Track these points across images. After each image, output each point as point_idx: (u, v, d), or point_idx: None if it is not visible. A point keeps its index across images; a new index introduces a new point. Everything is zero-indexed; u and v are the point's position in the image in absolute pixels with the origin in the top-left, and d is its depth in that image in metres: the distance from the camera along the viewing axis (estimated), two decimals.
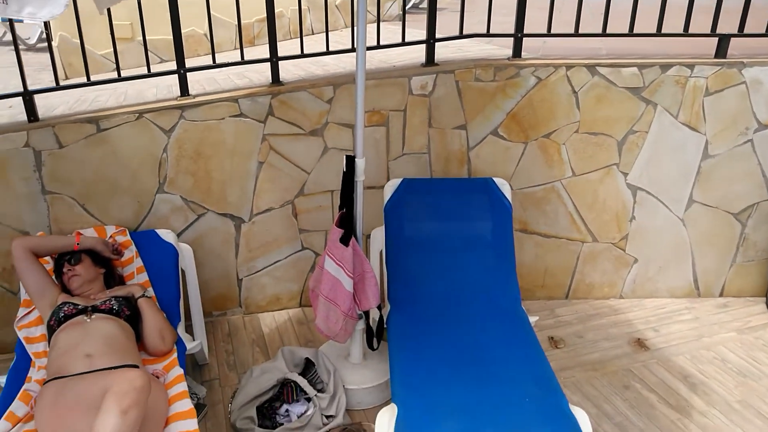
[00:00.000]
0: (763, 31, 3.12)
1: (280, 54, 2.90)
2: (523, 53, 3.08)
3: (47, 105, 2.84)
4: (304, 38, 3.07)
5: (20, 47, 2.79)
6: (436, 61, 3.06)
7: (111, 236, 2.65)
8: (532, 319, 2.52)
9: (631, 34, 3.08)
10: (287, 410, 2.42)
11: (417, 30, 3.27)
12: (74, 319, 2.12)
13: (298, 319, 3.18)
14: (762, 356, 2.94)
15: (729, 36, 3.08)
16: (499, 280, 2.68)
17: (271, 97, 2.82)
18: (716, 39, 3.09)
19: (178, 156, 2.78)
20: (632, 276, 3.42)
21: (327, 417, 2.41)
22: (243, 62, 2.95)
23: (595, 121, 3.08)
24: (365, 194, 2.43)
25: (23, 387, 2.07)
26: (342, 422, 2.42)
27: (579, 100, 3.03)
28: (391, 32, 3.43)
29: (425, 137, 3.05)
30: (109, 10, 2.59)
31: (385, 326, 2.56)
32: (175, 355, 2.26)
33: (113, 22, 2.68)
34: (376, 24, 3.05)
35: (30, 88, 2.61)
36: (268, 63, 2.90)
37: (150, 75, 2.85)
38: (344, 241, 2.29)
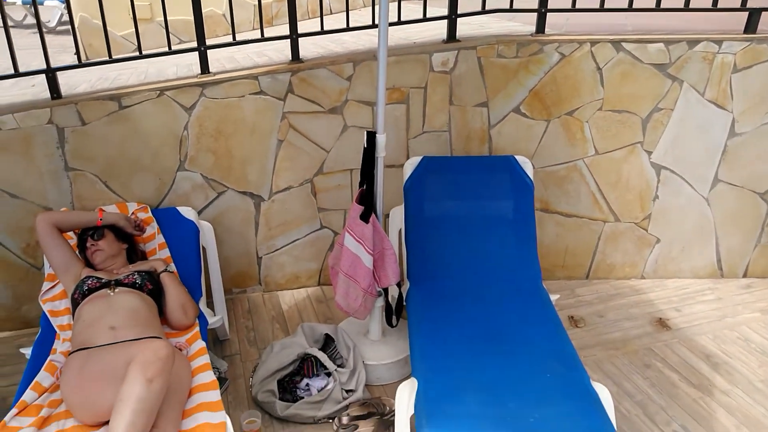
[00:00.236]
0: None
1: (299, 31, 2.89)
2: (546, 29, 3.03)
3: (69, 83, 2.86)
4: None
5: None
6: (457, 37, 3.02)
7: (133, 213, 2.67)
8: (553, 298, 2.50)
9: (657, 8, 3.02)
10: (307, 384, 2.44)
11: (438, 8, 3.23)
12: (98, 293, 2.15)
13: (317, 297, 3.20)
14: None
15: (760, 10, 2.99)
16: (519, 258, 2.66)
17: (291, 75, 2.81)
18: (746, 13, 3.01)
19: (199, 134, 2.79)
20: (654, 256, 3.37)
21: (347, 391, 2.42)
22: (263, 39, 2.92)
23: (620, 98, 3.02)
24: (384, 173, 2.41)
25: (48, 358, 2.11)
26: (362, 396, 2.43)
27: (603, 77, 2.98)
28: (410, 11, 3.39)
29: (446, 115, 3.02)
30: None
31: (404, 303, 2.56)
32: (197, 328, 2.29)
33: (134, 2, 2.69)
34: (397, 1, 3.01)
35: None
36: (288, 41, 2.89)
37: (171, 52, 2.84)
38: (364, 217, 2.29)
